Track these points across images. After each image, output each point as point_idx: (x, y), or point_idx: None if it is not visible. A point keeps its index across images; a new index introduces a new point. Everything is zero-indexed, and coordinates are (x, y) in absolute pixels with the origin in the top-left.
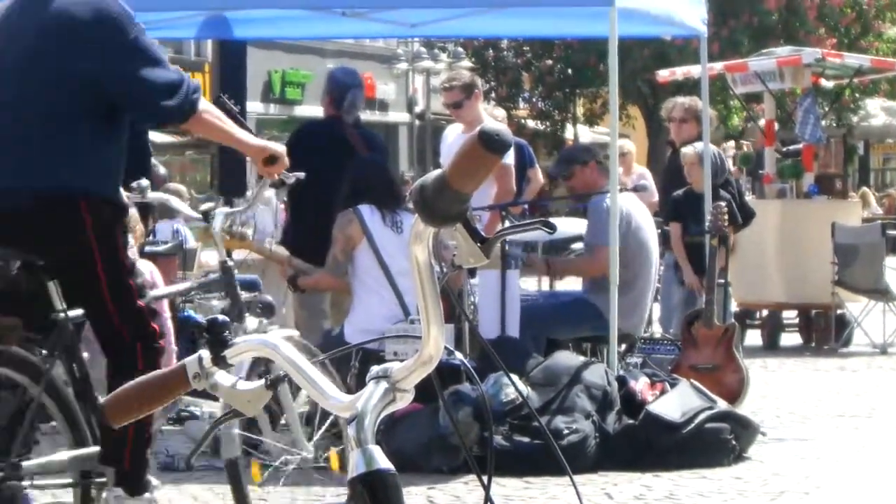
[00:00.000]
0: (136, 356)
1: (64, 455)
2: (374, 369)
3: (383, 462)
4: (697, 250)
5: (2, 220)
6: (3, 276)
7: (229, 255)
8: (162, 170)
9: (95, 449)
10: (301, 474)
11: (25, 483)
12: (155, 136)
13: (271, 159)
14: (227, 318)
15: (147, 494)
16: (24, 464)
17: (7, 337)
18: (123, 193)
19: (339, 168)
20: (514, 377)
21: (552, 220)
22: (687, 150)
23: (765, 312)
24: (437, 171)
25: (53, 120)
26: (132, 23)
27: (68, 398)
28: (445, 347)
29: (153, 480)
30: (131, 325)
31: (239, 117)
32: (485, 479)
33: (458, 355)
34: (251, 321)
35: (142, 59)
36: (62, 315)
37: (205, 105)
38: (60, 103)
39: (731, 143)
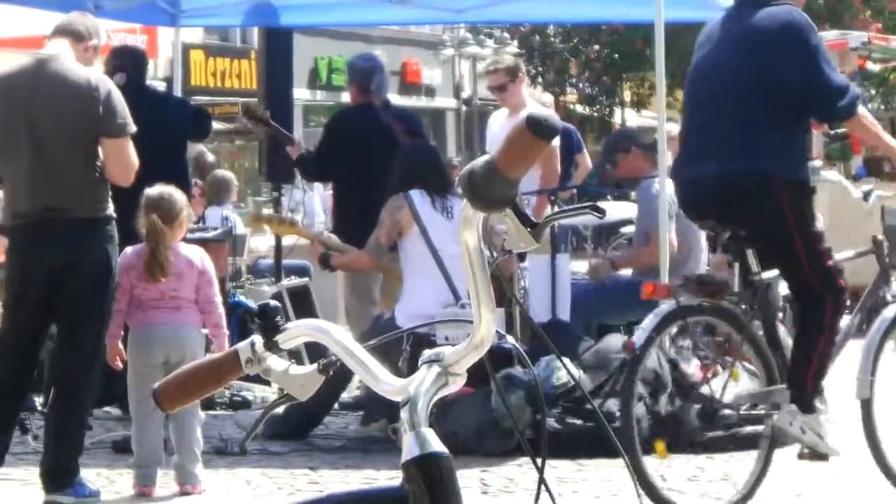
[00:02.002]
0: (825, 306)
1: (758, 390)
2: (427, 353)
3: (437, 445)
4: None
5: (720, 197)
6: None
7: (279, 240)
8: (210, 157)
9: (782, 387)
10: None
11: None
12: None
13: None
14: (278, 304)
15: (817, 412)
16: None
17: (719, 293)
18: None
19: (378, 152)
20: (566, 360)
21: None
22: None
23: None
24: (486, 157)
25: (755, 117)
26: (813, 31)
27: (762, 345)
28: (496, 331)
29: (819, 405)
30: (822, 281)
31: (272, 123)
32: (538, 461)
33: (510, 339)
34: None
35: (822, 64)
36: (758, 277)
37: (861, 109)
38: (756, 103)
39: None
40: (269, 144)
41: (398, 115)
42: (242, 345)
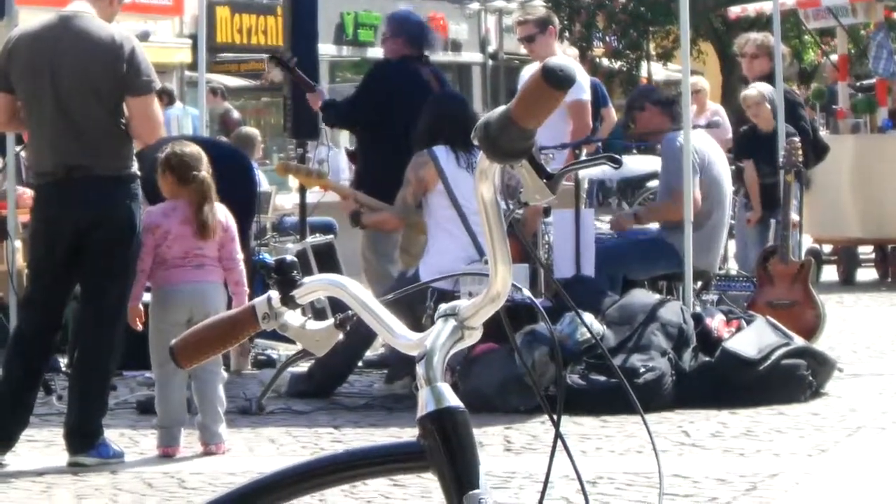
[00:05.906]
0: None
1: None
2: (443, 307)
3: (453, 399)
4: (764, 190)
5: None
6: None
7: (304, 197)
8: (236, 114)
9: None
10: None
11: None
12: (228, 81)
13: None
14: (295, 259)
15: None
16: None
17: None
18: None
19: (414, 108)
20: (588, 316)
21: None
22: (750, 93)
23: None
24: (502, 108)
25: None
26: None
27: None
28: (513, 285)
29: None
30: None
31: (297, 71)
32: (555, 417)
33: (526, 293)
34: None
35: None
36: None
37: None
38: None
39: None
40: (295, 100)
41: (436, 73)
42: (259, 300)
